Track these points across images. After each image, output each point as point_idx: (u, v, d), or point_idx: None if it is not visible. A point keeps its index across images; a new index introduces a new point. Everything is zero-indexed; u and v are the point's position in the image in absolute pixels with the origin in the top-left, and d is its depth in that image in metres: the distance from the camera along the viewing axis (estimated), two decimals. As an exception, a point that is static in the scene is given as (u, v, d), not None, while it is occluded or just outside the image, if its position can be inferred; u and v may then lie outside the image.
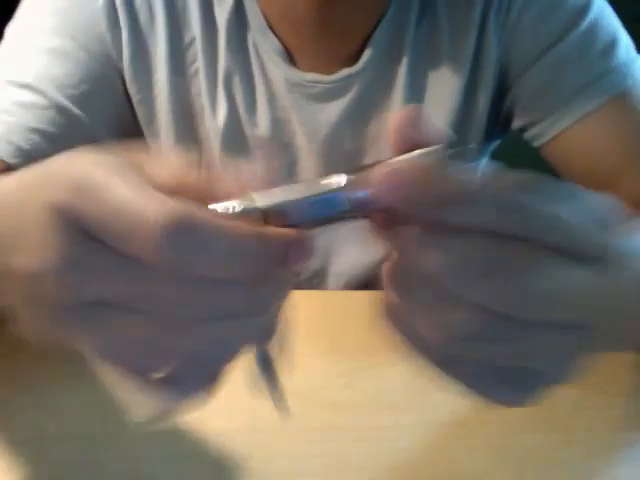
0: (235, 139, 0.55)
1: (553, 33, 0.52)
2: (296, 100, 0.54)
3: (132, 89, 0.54)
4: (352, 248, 0.61)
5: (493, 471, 0.38)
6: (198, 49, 0.53)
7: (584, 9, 0.52)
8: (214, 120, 0.55)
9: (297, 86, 0.54)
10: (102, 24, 0.51)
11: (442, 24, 0.53)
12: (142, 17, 0.52)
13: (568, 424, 0.40)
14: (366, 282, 0.62)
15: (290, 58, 0.54)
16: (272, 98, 0.55)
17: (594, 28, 0.52)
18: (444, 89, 0.55)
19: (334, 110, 0.55)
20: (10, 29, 0.52)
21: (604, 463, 0.39)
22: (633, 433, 0.40)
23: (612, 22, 0.53)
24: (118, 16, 0.51)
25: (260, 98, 0.55)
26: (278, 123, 0.55)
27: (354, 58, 0.54)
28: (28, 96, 0.48)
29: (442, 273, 0.21)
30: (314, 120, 0.55)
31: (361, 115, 0.56)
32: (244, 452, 0.38)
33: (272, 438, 0.39)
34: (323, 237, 0.60)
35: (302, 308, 0.50)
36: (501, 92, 0.56)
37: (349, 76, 0.54)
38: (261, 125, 0.55)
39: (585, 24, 0.52)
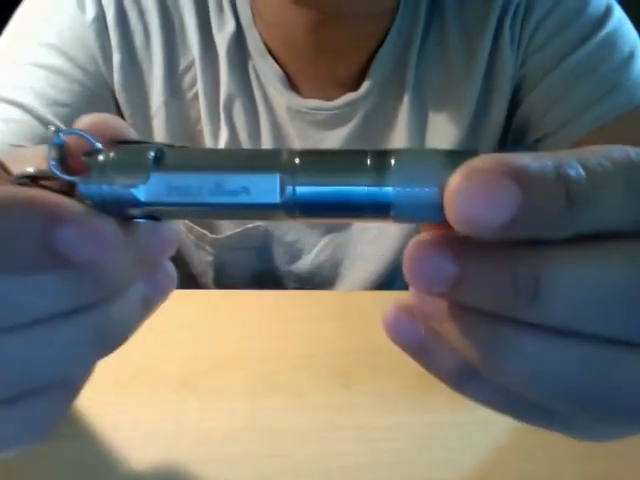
0: None
1: (569, 44, 0.51)
2: (299, 128, 0.54)
3: (126, 112, 0.53)
4: (366, 251, 0.59)
5: (494, 471, 0.38)
6: (197, 73, 0.52)
7: (602, 20, 0.51)
8: (215, 146, 0.54)
9: (299, 113, 0.53)
10: (92, 44, 0.50)
11: (452, 38, 0.52)
12: (137, 38, 0.51)
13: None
14: (378, 285, 0.61)
15: (291, 84, 0.53)
16: (275, 125, 0.54)
17: (611, 40, 0.50)
18: (454, 105, 0.53)
19: (338, 137, 0.54)
20: (3, 40, 0.50)
21: (606, 462, 0.38)
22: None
23: (631, 35, 0.52)
24: (109, 37, 0.50)
25: (263, 125, 0.54)
26: None
27: (357, 81, 0.52)
28: (16, 113, 0.46)
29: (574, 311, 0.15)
30: (318, 148, 0.54)
31: (367, 140, 0.54)
32: (243, 452, 0.38)
33: (271, 438, 0.39)
34: (333, 239, 0.59)
35: (302, 308, 0.50)
36: (514, 104, 0.54)
37: (352, 101, 0.52)
38: None
39: (602, 35, 0.50)
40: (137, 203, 0.17)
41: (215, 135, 0.54)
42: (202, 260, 0.61)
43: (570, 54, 0.50)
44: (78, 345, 0.18)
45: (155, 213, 0.18)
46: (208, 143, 0.54)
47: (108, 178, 0.17)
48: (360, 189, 0.16)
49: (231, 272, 0.61)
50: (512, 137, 0.56)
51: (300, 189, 0.16)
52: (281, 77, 0.52)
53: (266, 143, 0.54)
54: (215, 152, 0.18)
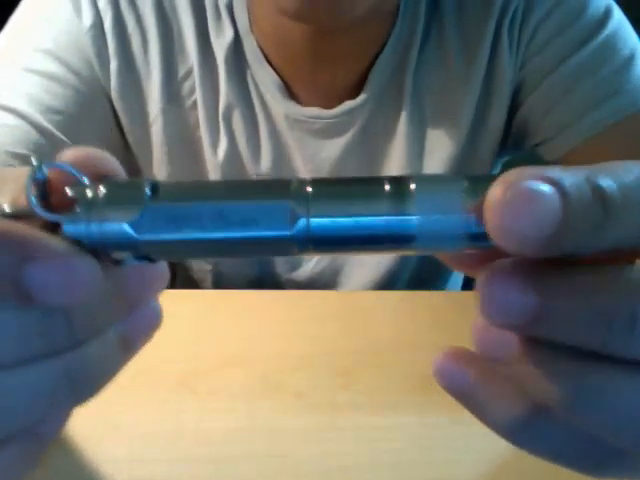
0: (236, 175, 0.54)
1: (569, 45, 0.50)
2: (298, 137, 0.53)
3: (123, 119, 0.52)
4: (366, 258, 0.59)
5: (494, 471, 0.38)
6: (196, 81, 0.51)
7: (602, 22, 0.50)
8: (214, 154, 0.53)
9: (298, 122, 0.52)
10: (89, 49, 0.49)
11: (451, 42, 0.51)
12: (135, 44, 0.50)
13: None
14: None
15: (290, 92, 0.52)
16: (274, 134, 0.54)
17: (611, 42, 0.49)
18: (453, 111, 0.53)
19: (337, 146, 0.53)
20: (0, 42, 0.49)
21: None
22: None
23: (631, 36, 0.51)
24: (106, 43, 0.49)
25: (263, 134, 0.53)
26: (280, 159, 0.54)
27: (356, 89, 0.52)
28: (9, 118, 0.45)
29: None
30: (316, 157, 0.54)
31: (365, 148, 0.54)
32: (243, 452, 0.38)
33: (271, 438, 0.38)
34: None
35: (302, 308, 0.50)
36: (514, 107, 0.54)
37: (351, 110, 0.52)
38: (263, 161, 0.54)
39: (602, 37, 0.49)
40: (130, 241, 0.15)
41: (214, 143, 0.53)
42: (201, 268, 0.61)
43: (570, 56, 0.50)
44: (48, 393, 0.16)
45: (149, 253, 0.16)
46: (207, 151, 0.53)
47: (97, 215, 0.15)
48: (380, 219, 0.15)
49: (231, 280, 0.61)
50: (512, 141, 0.56)
51: (315, 221, 0.15)
52: (279, 85, 0.51)
53: (265, 151, 0.54)
54: (216, 183, 0.17)
